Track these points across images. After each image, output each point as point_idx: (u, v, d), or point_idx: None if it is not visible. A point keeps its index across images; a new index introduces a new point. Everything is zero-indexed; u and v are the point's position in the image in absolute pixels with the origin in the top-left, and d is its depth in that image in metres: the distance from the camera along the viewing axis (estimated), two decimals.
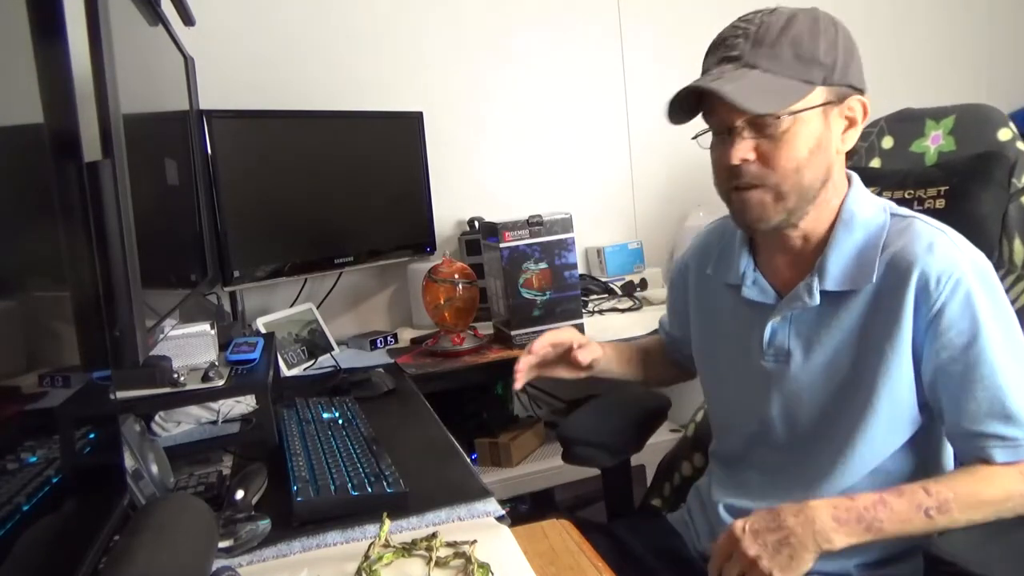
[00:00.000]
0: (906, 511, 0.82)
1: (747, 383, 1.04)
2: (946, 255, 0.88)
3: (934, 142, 1.31)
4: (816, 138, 0.89)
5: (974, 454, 0.87)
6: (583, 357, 1.15)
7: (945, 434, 0.92)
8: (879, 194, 1.23)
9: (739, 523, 0.84)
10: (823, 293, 0.94)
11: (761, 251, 1.03)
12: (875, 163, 1.38)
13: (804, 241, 0.97)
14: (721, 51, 0.90)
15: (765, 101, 0.86)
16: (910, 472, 0.94)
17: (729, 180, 0.92)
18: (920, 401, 0.91)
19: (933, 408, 0.91)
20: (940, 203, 1.21)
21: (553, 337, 1.16)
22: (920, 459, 0.95)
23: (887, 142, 1.37)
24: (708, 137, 0.95)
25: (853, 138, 0.94)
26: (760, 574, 0.81)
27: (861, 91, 0.93)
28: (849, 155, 0.97)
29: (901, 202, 1.20)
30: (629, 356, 1.27)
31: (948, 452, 0.96)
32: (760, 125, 0.88)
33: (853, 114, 0.92)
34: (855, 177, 0.98)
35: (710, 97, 0.88)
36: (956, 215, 1.16)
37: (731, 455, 1.10)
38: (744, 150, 0.89)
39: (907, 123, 1.36)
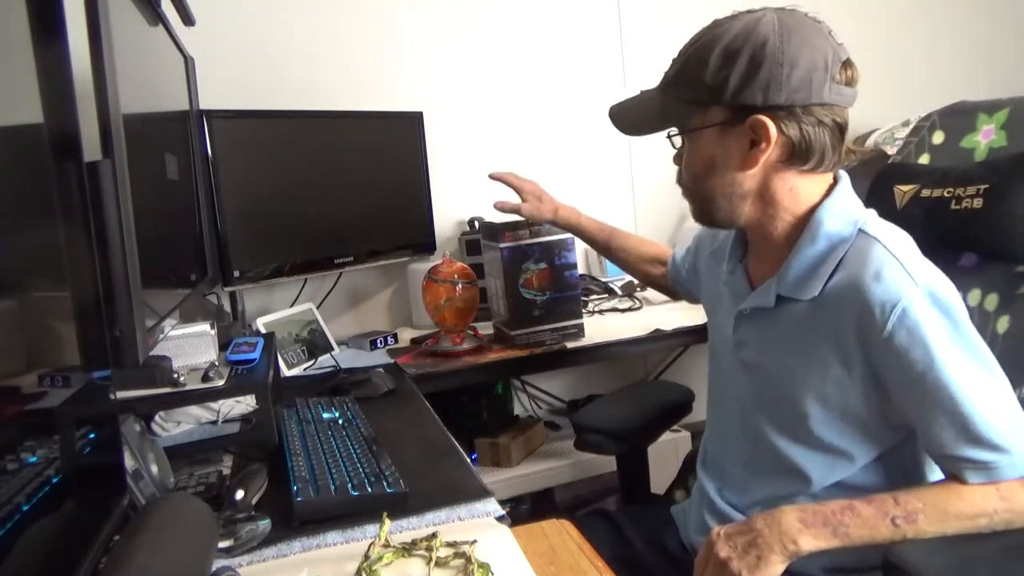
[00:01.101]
0: (873, 518, 0.82)
1: (720, 366, 1.10)
2: (893, 282, 0.85)
3: (985, 137, 1.24)
4: (707, 155, 0.95)
5: (951, 472, 0.87)
6: (496, 205, 1.58)
7: (925, 452, 0.92)
8: (918, 192, 1.22)
9: (716, 530, 0.86)
10: (778, 297, 0.96)
11: (750, 246, 1.07)
12: (924, 159, 1.32)
13: (772, 244, 0.98)
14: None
15: (646, 123, 0.99)
16: (882, 489, 0.92)
17: None
18: (888, 419, 0.92)
19: (910, 426, 0.90)
20: (978, 203, 1.14)
21: (506, 178, 1.59)
22: (893, 476, 0.95)
23: (938, 137, 1.31)
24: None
25: (760, 157, 0.90)
26: (731, 575, 0.83)
27: (774, 108, 0.88)
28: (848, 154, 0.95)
29: (939, 200, 1.18)
30: (600, 240, 1.53)
31: (925, 472, 0.96)
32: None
33: (755, 134, 0.90)
34: (841, 184, 0.96)
35: None
36: (993, 215, 1.11)
37: (712, 436, 1.15)
38: (677, 157, 1.01)
39: (959, 117, 1.29)
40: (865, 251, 0.90)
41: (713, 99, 0.91)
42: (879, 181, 1.27)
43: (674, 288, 1.42)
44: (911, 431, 0.91)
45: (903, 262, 0.87)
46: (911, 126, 1.39)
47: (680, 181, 1.01)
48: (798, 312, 0.94)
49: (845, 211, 0.94)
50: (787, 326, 0.96)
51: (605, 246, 1.52)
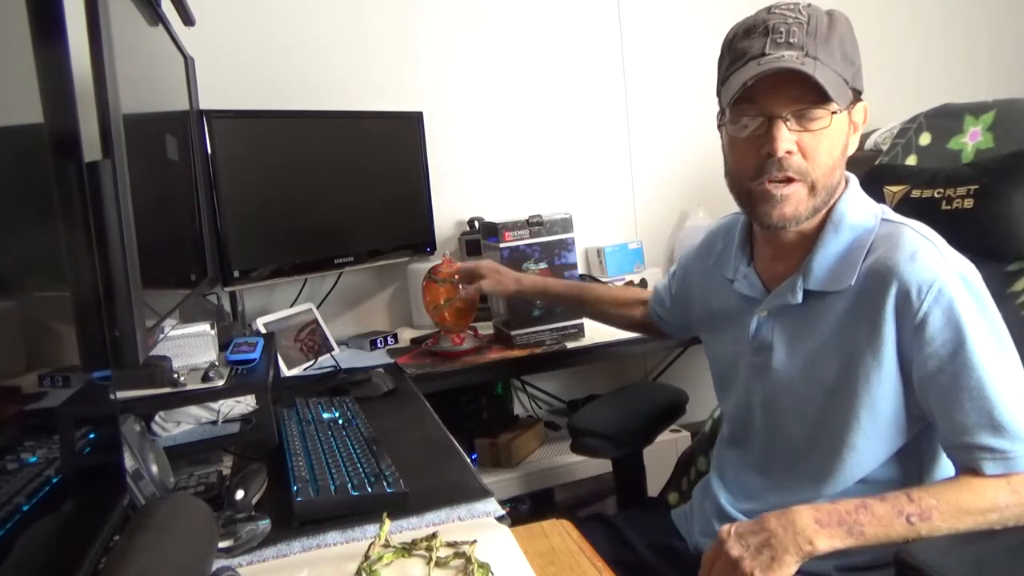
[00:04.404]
0: (887, 516, 0.82)
1: (736, 373, 1.08)
2: (929, 264, 0.87)
3: (972, 139, 1.27)
4: (844, 137, 0.93)
5: (966, 465, 0.87)
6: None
7: (940, 445, 0.92)
8: (908, 193, 1.24)
9: (726, 527, 0.85)
10: (806, 292, 0.95)
11: (757, 248, 1.05)
12: (911, 160, 1.33)
13: (797, 240, 0.97)
14: (773, 36, 0.88)
15: (836, 94, 0.86)
16: (899, 483, 0.93)
17: (761, 172, 0.90)
18: (911, 411, 0.91)
19: (928, 418, 0.90)
20: (968, 203, 1.16)
21: (462, 271, 1.55)
22: (910, 470, 0.95)
23: (924, 139, 1.33)
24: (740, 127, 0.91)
25: (856, 142, 0.95)
26: (742, 575, 0.81)
27: (861, 96, 0.95)
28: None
29: (930, 201, 1.20)
30: (571, 297, 1.47)
31: (941, 465, 0.96)
32: (807, 119, 0.88)
33: (858, 119, 0.94)
34: (853, 180, 0.99)
35: (760, 81, 0.86)
36: (984, 215, 1.13)
37: (727, 444, 1.13)
38: (790, 141, 0.88)
39: (946, 119, 1.31)
40: (895, 236, 0.91)
41: (853, 80, 0.92)
42: (867, 182, 1.28)
43: (657, 322, 1.35)
44: (928, 423, 0.91)
45: (936, 245, 0.89)
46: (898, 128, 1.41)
47: (798, 169, 0.89)
48: (829, 306, 0.94)
49: (864, 204, 0.96)
50: (817, 322, 0.95)
51: (578, 301, 1.47)
